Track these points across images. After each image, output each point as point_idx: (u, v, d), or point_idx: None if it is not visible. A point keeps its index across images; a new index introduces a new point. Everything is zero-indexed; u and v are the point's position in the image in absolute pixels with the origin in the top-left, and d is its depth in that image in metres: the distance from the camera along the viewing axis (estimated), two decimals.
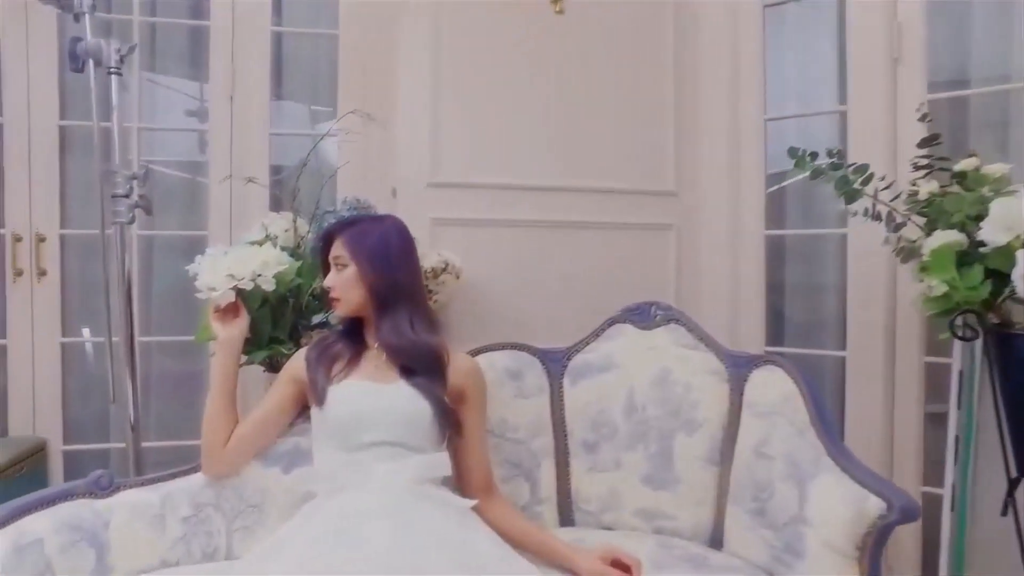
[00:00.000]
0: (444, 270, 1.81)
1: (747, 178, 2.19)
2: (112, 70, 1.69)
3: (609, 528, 1.66)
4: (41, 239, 2.21)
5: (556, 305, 2.04)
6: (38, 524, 1.22)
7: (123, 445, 2.21)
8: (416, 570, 1.07)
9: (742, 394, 1.59)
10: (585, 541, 1.51)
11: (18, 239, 2.19)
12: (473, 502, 1.32)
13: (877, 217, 1.57)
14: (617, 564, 1.29)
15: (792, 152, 1.68)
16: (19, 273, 2.20)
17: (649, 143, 2.19)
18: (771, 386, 1.53)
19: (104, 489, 1.35)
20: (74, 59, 1.70)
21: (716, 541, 1.56)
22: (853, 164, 1.58)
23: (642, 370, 1.68)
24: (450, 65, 2.01)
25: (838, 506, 1.20)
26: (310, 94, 2.51)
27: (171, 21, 2.37)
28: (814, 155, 1.66)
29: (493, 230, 2.00)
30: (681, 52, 2.19)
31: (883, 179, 1.57)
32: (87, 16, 1.70)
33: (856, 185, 1.54)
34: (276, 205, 2.29)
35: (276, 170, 2.33)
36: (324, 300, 1.71)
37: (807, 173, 1.65)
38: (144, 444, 1.71)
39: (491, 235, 2.00)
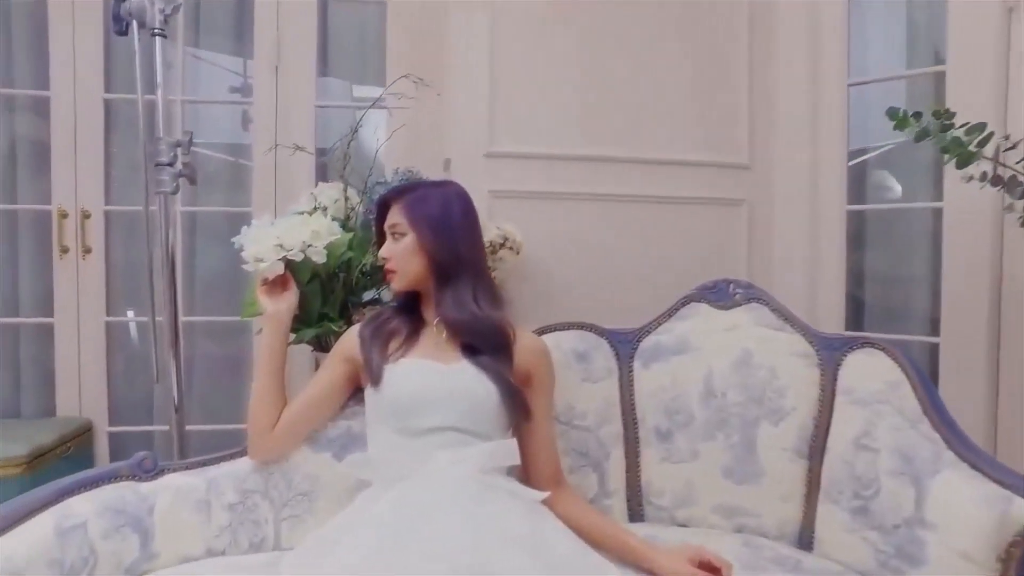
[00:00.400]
0: (503, 245, 1.68)
1: (827, 148, 2.01)
2: (156, 31, 1.59)
3: (684, 525, 1.52)
4: (86, 216, 2.16)
5: (620, 283, 1.90)
6: (82, 506, 1.14)
7: (168, 428, 2.18)
8: (488, 570, 0.95)
9: (835, 380, 1.42)
10: (658, 539, 1.38)
11: (64, 215, 2.14)
12: (544, 494, 1.19)
13: (997, 182, 1.39)
14: (704, 566, 1.15)
15: (892, 112, 1.49)
16: (65, 250, 2.15)
17: (720, 112, 2.03)
18: (871, 371, 1.36)
19: (148, 472, 1.26)
20: (117, 21, 1.62)
21: (805, 542, 1.40)
22: (967, 124, 1.40)
23: (721, 353, 1.53)
24: (508, 28, 1.88)
25: (971, 509, 1.04)
26: (357, 68, 2.41)
27: None
28: (918, 115, 1.48)
29: (554, 203, 1.86)
30: (756, 11, 2.02)
31: (1007, 138, 1.38)
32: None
33: (972, 147, 1.36)
34: (323, 181, 2.19)
35: (321, 152, 2.24)
36: (376, 276, 1.61)
37: (910, 136, 1.47)
38: (188, 427, 1.63)
39: (552, 209, 1.86)
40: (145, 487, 1.25)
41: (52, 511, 1.09)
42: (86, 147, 2.15)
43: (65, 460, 1.99)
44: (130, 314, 2.27)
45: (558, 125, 1.90)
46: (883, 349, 1.37)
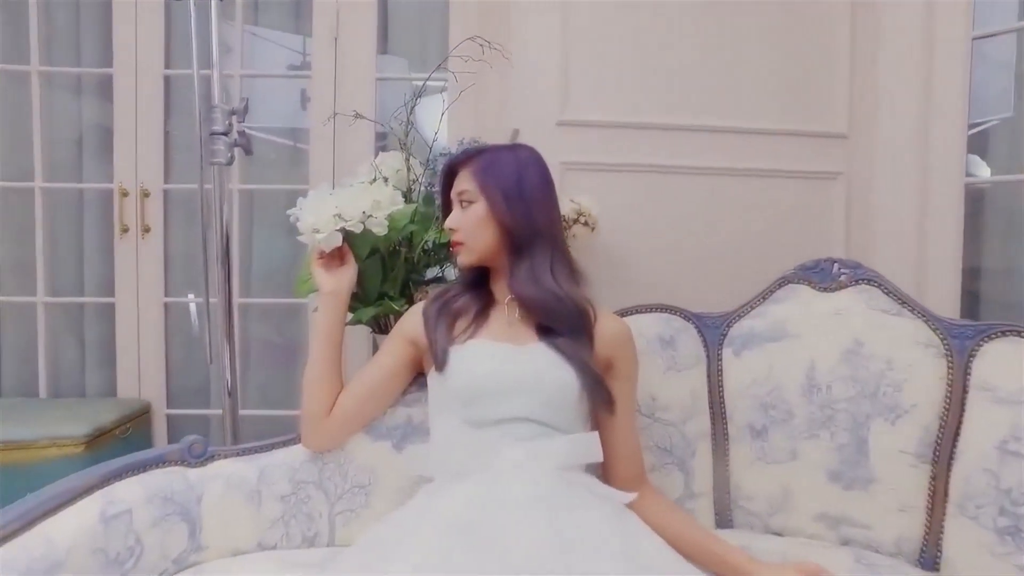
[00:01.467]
0: (577, 220, 1.53)
1: (942, 113, 1.78)
2: None
3: (779, 534, 1.35)
4: (146, 194, 2.11)
5: (705, 263, 1.73)
6: (129, 492, 1.05)
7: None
8: None
9: (968, 373, 1.22)
10: (751, 548, 1.21)
11: (125, 194, 2.10)
12: (631, 496, 1.04)
13: None
14: None
15: None
16: (125, 229, 2.11)
17: (814, 75, 1.82)
18: (1018, 364, 1.16)
19: (197, 457, 1.18)
20: None
21: (928, 561, 1.21)
22: None
23: (825, 341, 1.35)
24: None
25: None
26: (417, 44, 2.29)
27: None
28: None
29: (632, 176, 1.70)
30: None
31: None
32: None
33: None
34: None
35: (381, 136, 2.13)
36: (440, 253, 1.49)
37: None
38: (243, 412, 1.55)
39: (630, 181, 1.70)
40: (194, 474, 1.16)
41: (97, 496, 1.01)
42: (146, 125, 2.11)
43: (123, 441, 1.95)
44: (189, 296, 2.22)
45: (637, 91, 1.73)
46: None
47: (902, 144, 1.82)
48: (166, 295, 2.14)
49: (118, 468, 1.09)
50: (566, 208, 1.53)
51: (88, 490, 1.01)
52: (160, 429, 2.13)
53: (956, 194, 1.78)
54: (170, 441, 2.13)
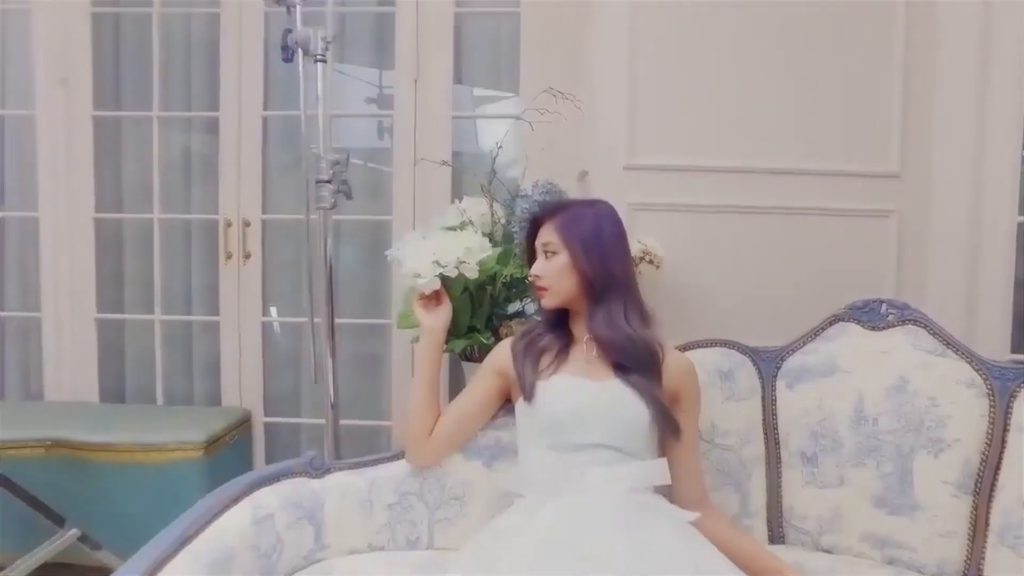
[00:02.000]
0: (643, 259, 1.69)
1: (995, 152, 1.86)
2: (318, 58, 1.72)
3: (828, 552, 1.48)
4: (247, 224, 2.36)
5: (761, 299, 1.86)
6: (269, 499, 1.26)
7: (315, 421, 2.35)
8: None
9: (1009, 413, 1.34)
10: (804, 566, 1.36)
11: (228, 224, 2.35)
12: (695, 515, 1.20)
13: None
14: None
15: None
16: (229, 256, 2.36)
17: (868, 117, 1.92)
18: None
19: (317, 470, 1.38)
20: (285, 49, 1.75)
21: None
22: None
23: (873, 377, 1.47)
24: (650, 38, 1.87)
25: None
26: (491, 76, 2.48)
27: (360, 10, 2.42)
28: None
29: (694, 215, 1.84)
30: (914, 4, 1.89)
31: None
32: (298, 7, 1.75)
33: None
34: (457, 190, 2.29)
35: (455, 157, 2.33)
36: (519, 288, 1.67)
37: None
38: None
39: (691, 221, 1.84)
40: (316, 484, 1.37)
41: (246, 502, 1.22)
42: (248, 161, 2.35)
43: (231, 447, 2.20)
44: (273, 312, 2.45)
45: (698, 136, 1.87)
46: None
47: (955, 183, 1.90)
48: (264, 314, 2.39)
49: (258, 479, 1.30)
50: (634, 248, 1.68)
51: (239, 497, 1.22)
52: (259, 435, 2.38)
53: (1008, 232, 1.86)
54: (268, 447, 2.38)
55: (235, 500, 1.21)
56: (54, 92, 2.34)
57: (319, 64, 1.74)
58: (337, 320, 2.34)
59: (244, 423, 2.31)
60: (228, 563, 1.09)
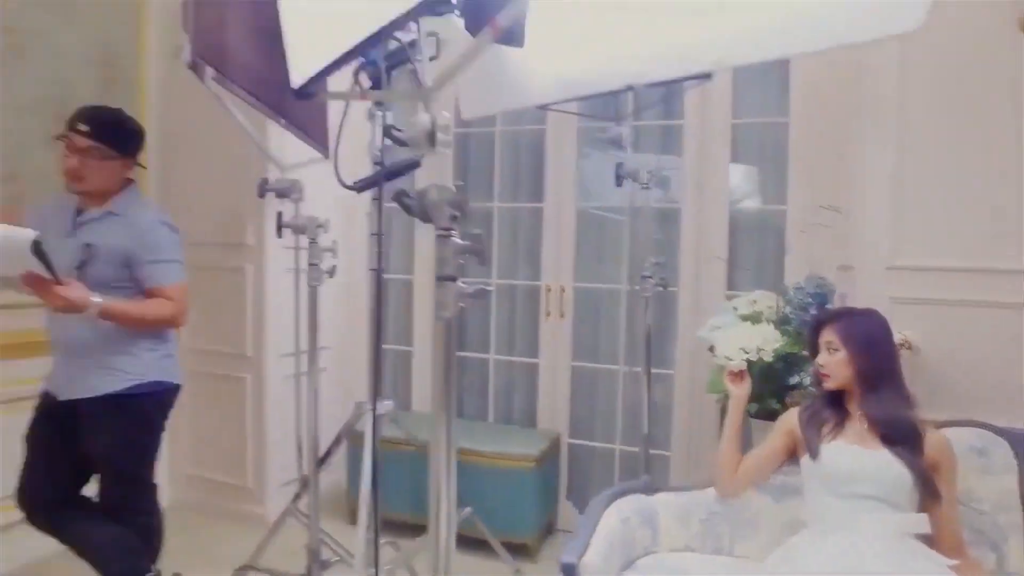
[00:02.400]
0: (903, 346, 2.08)
1: None
2: (644, 185, 2.36)
3: None
4: (562, 290, 3.09)
5: (1008, 383, 2.11)
6: (623, 507, 1.89)
7: (607, 445, 2.99)
8: None
9: None
10: None
11: (548, 290, 3.11)
12: (954, 562, 1.59)
13: None
14: None
15: None
16: (548, 314, 3.11)
17: None
18: None
19: (650, 490, 1.99)
20: (618, 178, 2.42)
21: None
22: None
23: None
24: (913, 153, 2.22)
25: None
26: (759, 178, 2.95)
27: (650, 123, 3.04)
28: None
29: (948, 309, 2.17)
30: None
31: None
32: (628, 146, 2.41)
33: None
34: (731, 280, 2.80)
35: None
36: (795, 362, 2.15)
37: None
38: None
39: (945, 313, 2.17)
40: (648, 499, 1.98)
41: (612, 508, 1.86)
42: (565, 242, 3.09)
43: (548, 462, 2.92)
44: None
45: (959, 238, 2.18)
46: None
47: None
48: (572, 359, 3.10)
49: (613, 494, 1.93)
50: (896, 338, 2.08)
51: (607, 503, 1.87)
52: (564, 454, 3.09)
53: None
54: (570, 464, 3.08)
55: (606, 506, 1.86)
56: None
57: (642, 188, 2.38)
58: (634, 368, 3.00)
59: (555, 442, 3.03)
60: (613, 544, 1.74)
